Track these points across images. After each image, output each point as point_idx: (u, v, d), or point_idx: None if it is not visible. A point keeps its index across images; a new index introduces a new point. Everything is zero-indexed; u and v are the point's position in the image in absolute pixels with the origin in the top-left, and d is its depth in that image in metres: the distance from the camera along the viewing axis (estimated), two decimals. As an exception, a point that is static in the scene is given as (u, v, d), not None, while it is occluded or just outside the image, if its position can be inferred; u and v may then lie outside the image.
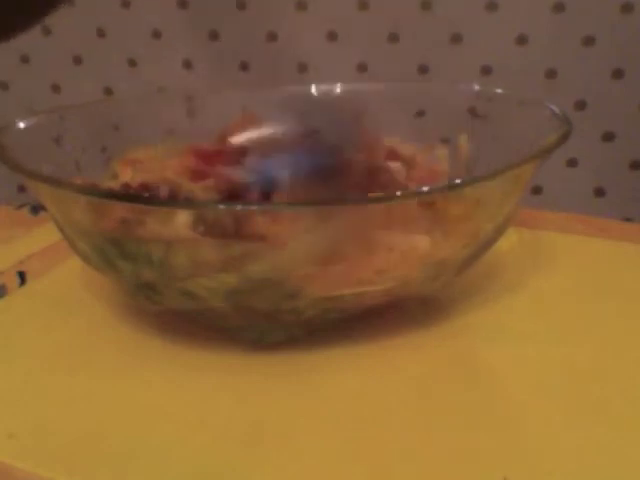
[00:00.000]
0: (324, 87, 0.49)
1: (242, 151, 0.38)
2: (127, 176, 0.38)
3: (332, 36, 0.73)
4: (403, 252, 0.30)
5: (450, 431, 0.28)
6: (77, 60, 0.80)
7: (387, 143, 0.41)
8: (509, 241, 0.41)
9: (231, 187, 0.34)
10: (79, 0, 0.67)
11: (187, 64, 0.74)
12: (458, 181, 0.31)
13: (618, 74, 0.68)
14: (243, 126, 0.41)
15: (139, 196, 0.33)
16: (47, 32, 0.70)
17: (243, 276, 0.29)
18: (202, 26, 0.76)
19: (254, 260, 0.29)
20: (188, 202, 0.32)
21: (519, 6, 0.69)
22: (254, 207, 0.30)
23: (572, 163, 0.72)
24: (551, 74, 0.70)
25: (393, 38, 0.72)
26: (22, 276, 0.42)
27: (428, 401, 0.30)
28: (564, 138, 0.34)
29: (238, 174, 0.35)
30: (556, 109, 0.38)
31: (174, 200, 0.33)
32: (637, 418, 0.29)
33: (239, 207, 0.29)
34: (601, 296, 0.39)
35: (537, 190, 0.73)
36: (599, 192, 0.73)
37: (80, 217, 0.32)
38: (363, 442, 0.28)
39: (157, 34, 0.72)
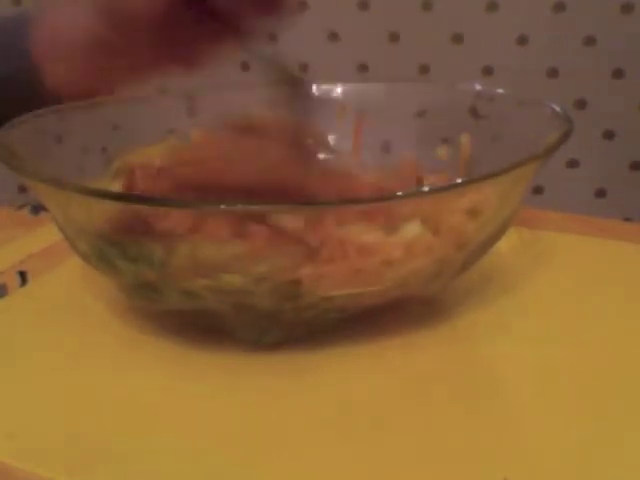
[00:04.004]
0: (324, 87, 0.49)
1: None
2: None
3: (333, 36, 0.73)
4: (404, 243, 0.30)
5: (450, 431, 0.28)
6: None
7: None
8: (509, 241, 0.41)
9: None
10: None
11: (187, 64, 0.74)
12: (458, 181, 0.31)
13: (618, 74, 0.68)
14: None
15: (139, 196, 0.33)
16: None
17: (244, 277, 0.29)
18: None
19: (255, 261, 0.29)
20: (188, 202, 0.32)
21: (519, 6, 0.69)
22: (253, 207, 0.30)
23: (573, 164, 0.72)
24: (552, 74, 0.70)
25: (393, 38, 0.72)
26: (23, 276, 0.42)
27: (428, 401, 0.30)
28: (565, 136, 0.34)
29: None
30: (557, 108, 0.38)
31: (173, 200, 0.33)
32: (637, 417, 0.29)
33: (239, 207, 0.29)
34: (601, 296, 0.39)
35: (538, 190, 0.73)
36: (600, 193, 0.73)
37: (81, 217, 0.32)
38: (363, 442, 0.28)
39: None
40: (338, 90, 0.49)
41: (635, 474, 0.26)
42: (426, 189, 0.32)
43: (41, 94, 0.48)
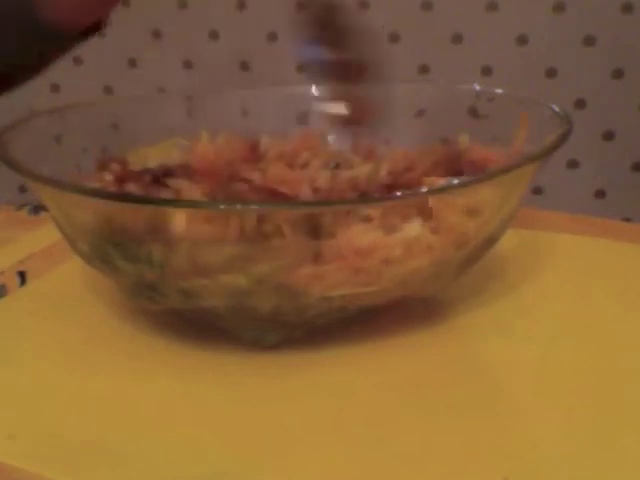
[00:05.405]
0: (324, 87, 0.49)
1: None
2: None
3: (332, 36, 0.73)
4: (404, 242, 0.30)
5: (451, 431, 0.28)
6: (77, 60, 0.80)
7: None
8: (509, 241, 0.41)
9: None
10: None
11: (187, 64, 0.74)
12: (455, 182, 0.31)
13: (618, 74, 0.69)
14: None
15: (139, 196, 0.33)
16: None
17: (244, 277, 0.29)
18: (202, 26, 0.76)
19: (255, 261, 0.29)
20: (188, 202, 0.32)
21: (519, 6, 0.69)
22: (254, 207, 0.30)
23: (573, 164, 0.72)
24: (551, 74, 0.70)
25: (393, 38, 0.72)
26: (22, 276, 0.42)
27: (428, 401, 0.30)
28: (565, 137, 0.34)
29: None
30: (557, 108, 0.38)
31: (174, 200, 0.33)
32: (636, 417, 0.29)
33: (239, 207, 0.29)
34: (601, 296, 0.39)
35: (538, 190, 0.73)
36: (599, 194, 0.73)
37: (81, 217, 0.32)
38: (364, 442, 0.28)
39: (157, 34, 0.72)
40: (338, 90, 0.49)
41: (634, 474, 0.26)
42: (426, 189, 0.32)
43: (41, 30, 0.47)
